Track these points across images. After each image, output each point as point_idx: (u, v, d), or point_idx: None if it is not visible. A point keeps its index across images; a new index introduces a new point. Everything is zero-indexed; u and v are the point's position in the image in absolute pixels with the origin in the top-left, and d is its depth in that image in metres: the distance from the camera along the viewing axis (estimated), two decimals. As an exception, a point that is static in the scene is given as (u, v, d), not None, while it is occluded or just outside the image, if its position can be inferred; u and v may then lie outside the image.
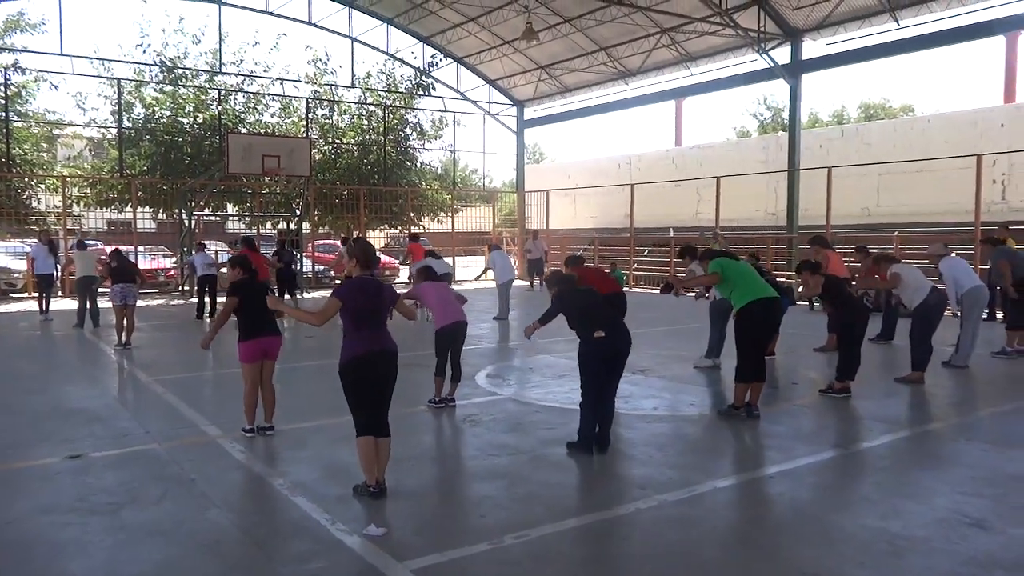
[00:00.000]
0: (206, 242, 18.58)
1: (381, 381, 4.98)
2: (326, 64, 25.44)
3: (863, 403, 7.70)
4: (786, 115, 23.96)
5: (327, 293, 20.90)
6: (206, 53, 23.70)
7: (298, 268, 19.68)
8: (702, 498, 5.07)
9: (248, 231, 25.09)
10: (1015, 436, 6.69)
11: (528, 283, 22.91)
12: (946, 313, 8.88)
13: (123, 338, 11.34)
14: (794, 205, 20.33)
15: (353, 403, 4.94)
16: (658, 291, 19.71)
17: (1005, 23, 17.61)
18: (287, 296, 17.17)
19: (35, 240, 17.97)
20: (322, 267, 24.46)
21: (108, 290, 11.83)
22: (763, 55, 20.17)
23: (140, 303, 12.53)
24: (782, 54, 20.38)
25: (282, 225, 24.84)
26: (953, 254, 10.16)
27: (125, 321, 11.37)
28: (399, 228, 27.55)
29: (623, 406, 7.62)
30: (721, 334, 9.47)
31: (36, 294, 15.65)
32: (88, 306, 13.47)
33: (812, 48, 20.22)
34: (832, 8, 18.60)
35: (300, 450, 6.13)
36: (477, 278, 26.19)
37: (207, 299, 15.09)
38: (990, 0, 16.90)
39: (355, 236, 20.50)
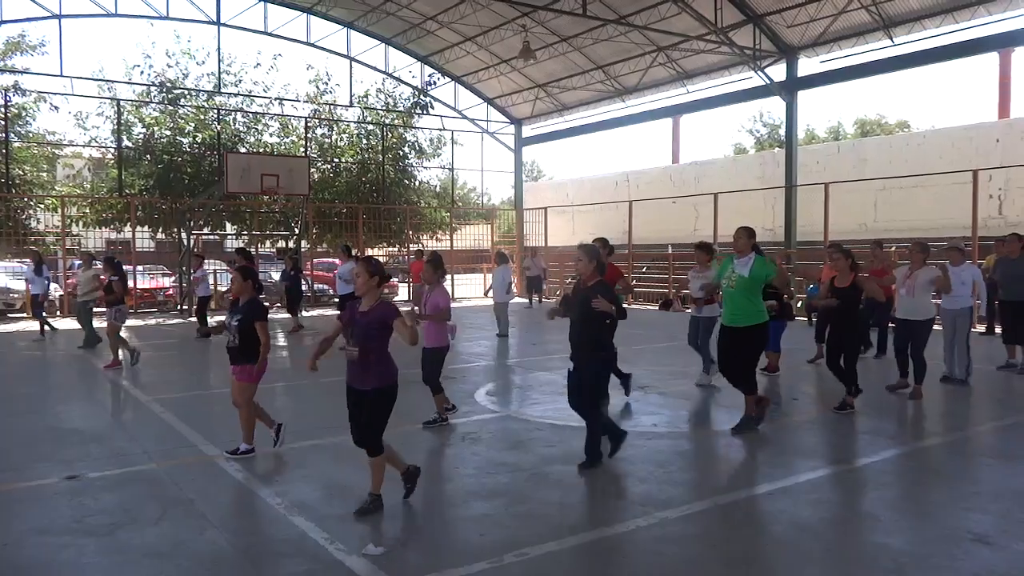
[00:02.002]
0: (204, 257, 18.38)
1: None
2: (327, 84, 25.60)
3: (864, 419, 7.68)
4: (783, 132, 24.08)
5: (327, 312, 20.91)
6: (208, 74, 23.86)
7: (302, 287, 19.64)
8: (703, 515, 5.04)
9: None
10: (1018, 450, 6.67)
11: (527, 300, 22.91)
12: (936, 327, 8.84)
13: (121, 355, 11.38)
14: (792, 221, 20.40)
15: (385, 422, 5.03)
16: (657, 307, 19.68)
17: (997, 40, 17.76)
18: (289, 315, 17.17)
19: (28, 260, 17.97)
20: (322, 286, 24.45)
21: (107, 310, 11.72)
22: (759, 72, 20.31)
23: (139, 322, 12.53)
24: (778, 71, 20.53)
25: (281, 244, 24.86)
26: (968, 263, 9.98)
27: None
28: (397, 247, 27.60)
29: (624, 422, 7.60)
30: (707, 348, 9.46)
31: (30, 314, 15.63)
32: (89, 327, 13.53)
33: (807, 65, 20.39)
34: (827, 26, 18.76)
35: (299, 469, 6.09)
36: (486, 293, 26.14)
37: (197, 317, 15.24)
38: (982, 17, 17.06)
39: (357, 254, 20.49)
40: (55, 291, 21.00)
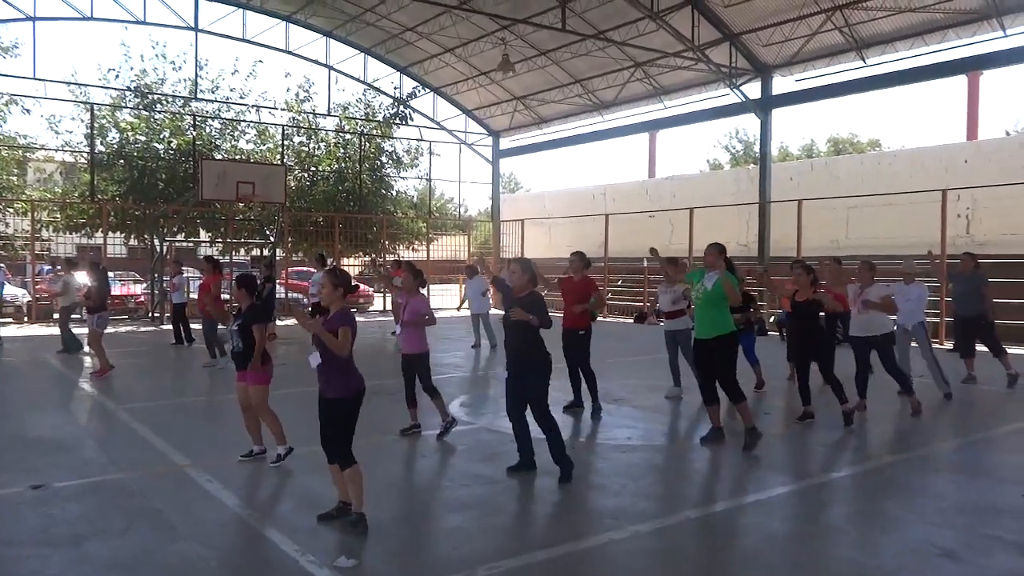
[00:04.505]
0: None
1: None
2: (307, 91, 25.49)
3: (834, 433, 7.77)
4: (757, 148, 24.39)
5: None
6: (184, 80, 23.65)
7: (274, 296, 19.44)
8: (674, 529, 5.07)
9: (220, 258, 24.83)
10: (984, 466, 6.79)
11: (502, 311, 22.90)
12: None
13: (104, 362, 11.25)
14: (765, 236, 20.66)
15: (348, 434, 4.92)
16: (632, 321, 19.73)
17: (966, 63, 18.20)
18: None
19: None
20: (296, 294, 24.25)
21: (88, 317, 11.51)
22: (734, 90, 20.60)
23: (110, 329, 12.40)
24: (753, 89, 20.83)
25: (256, 252, 24.61)
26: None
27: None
28: (373, 256, 27.50)
29: (598, 435, 7.63)
30: (676, 361, 9.58)
31: None
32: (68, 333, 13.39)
33: (782, 84, 20.73)
34: (801, 46, 19.08)
35: (270, 479, 6.03)
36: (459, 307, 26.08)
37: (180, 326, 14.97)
38: (952, 41, 17.47)
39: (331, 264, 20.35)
40: (23, 297, 20.63)
